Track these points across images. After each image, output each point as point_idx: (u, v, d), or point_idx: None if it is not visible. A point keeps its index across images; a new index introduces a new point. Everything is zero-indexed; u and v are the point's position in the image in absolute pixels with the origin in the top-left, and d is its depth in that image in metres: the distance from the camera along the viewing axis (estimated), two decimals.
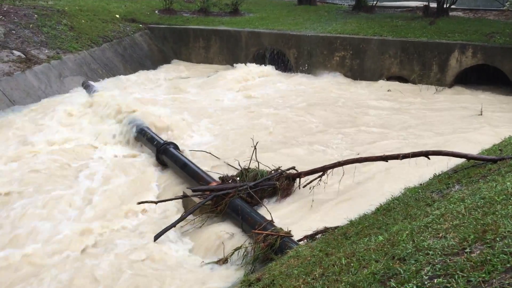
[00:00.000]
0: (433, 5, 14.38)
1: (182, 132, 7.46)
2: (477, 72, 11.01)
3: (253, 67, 12.32)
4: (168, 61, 13.45)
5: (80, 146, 7.22)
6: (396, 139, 7.23)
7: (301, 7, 17.35)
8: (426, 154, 4.96)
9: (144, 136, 7.20)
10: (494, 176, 3.78)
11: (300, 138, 7.40)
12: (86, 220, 5.39)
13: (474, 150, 6.02)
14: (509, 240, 2.11)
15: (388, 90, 10.75)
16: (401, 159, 5.07)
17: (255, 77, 11.49)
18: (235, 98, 9.83)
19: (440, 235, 2.63)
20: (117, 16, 13.67)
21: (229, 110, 8.95)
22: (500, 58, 10.41)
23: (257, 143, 5.89)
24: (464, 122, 8.25)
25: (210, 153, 6.68)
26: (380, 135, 7.42)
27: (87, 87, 9.86)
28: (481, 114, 8.77)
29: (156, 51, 13.42)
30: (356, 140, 7.17)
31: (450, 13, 14.20)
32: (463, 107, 9.22)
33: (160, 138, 7.05)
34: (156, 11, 15.26)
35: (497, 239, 2.19)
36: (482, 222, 2.50)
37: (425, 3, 14.76)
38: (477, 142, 6.91)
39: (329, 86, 10.78)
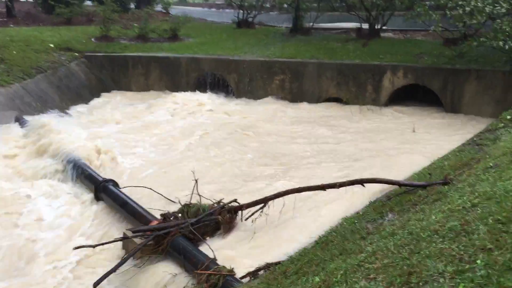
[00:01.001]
0: (366, 26, 15.00)
1: (119, 167, 7.31)
2: (411, 91, 11.56)
3: (191, 94, 12.30)
4: (107, 90, 13.17)
5: (9, 186, 6.89)
6: (333, 162, 7.42)
7: (240, 30, 17.59)
8: (361, 182, 5.12)
9: (81, 173, 6.99)
10: (422, 206, 3.96)
11: (239, 168, 7.43)
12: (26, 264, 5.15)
13: (407, 171, 6.31)
14: (431, 286, 2.22)
15: (325, 114, 11.05)
16: (338, 188, 5.21)
17: (194, 105, 11.44)
18: (172, 128, 9.70)
19: (371, 276, 2.72)
20: (51, 45, 13.28)
21: (166, 142, 8.84)
22: (429, 78, 10.98)
23: (197, 179, 5.86)
24: (398, 142, 8.60)
25: (151, 188, 6.56)
26: (317, 160, 7.59)
27: (20, 121, 9.48)
28: (414, 132, 9.20)
29: (94, 80, 13.12)
30: (293, 169, 7.27)
31: (382, 34, 14.85)
32: (397, 126, 9.62)
33: (98, 175, 6.87)
34: (93, 39, 14.95)
35: (421, 283, 2.29)
36: (408, 262, 2.61)
37: (358, 24, 15.37)
38: (410, 162, 7.21)
39: (268, 111, 10.95)
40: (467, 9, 9.06)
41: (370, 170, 6.84)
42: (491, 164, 4.43)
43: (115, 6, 16.86)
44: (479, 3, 8.93)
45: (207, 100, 11.83)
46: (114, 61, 13.60)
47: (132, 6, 23.18)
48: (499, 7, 8.49)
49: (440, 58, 11.21)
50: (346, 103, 11.70)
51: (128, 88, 13.55)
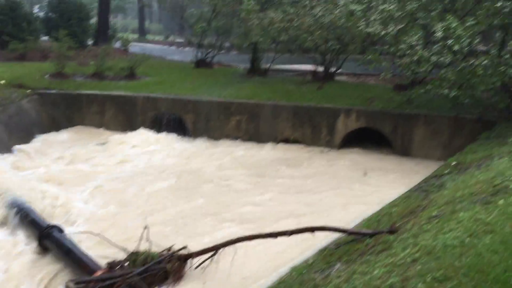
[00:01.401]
0: (321, 69, 15.41)
1: (65, 212, 7.06)
2: (366, 133, 11.86)
3: (146, 134, 12.16)
4: (60, 128, 12.81)
5: None
6: (284, 207, 7.42)
7: (199, 70, 17.70)
8: (311, 229, 5.15)
9: (24, 219, 6.68)
10: (368, 257, 4.00)
11: (191, 214, 7.32)
12: None
13: (358, 216, 6.42)
14: None
15: (280, 156, 11.13)
16: (289, 236, 5.21)
17: (147, 145, 11.31)
18: (123, 169, 9.47)
19: None
20: (2, 82, 12.92)
21: (115, 185, 8.58)
22: (380, 122, 11.34)
23: (147, 226, 5.71)
24: (349, 185, 8.73)
25: (98, 234, 6.33)
26: (268, 205, 7.57)
27: None
28: (365, 175, 9.38)
29: (47, 118, 12.78)
30: (245, 215, 7.21)
31: (336, 78, 15.30)
32: (349, 170, 9.78)
33: (42, 220, 6.59)
34: (47, 76, 14.65)
35: None
36: None
37: (314, 67, 15.77)
38: (361, 207, 7.34)
39: (223, 152, 10.96)
40: (415, 58, 9.50)
41: (321, 215, 6.91)
42: (434, 214, 4.55)
43: (71, 42, 16.68)
44: (425, 53, 9.38)
45: (162, 140, 11.75)
46: (68, 98, 13.34)
47: (90, 42, 22.99)
48: (443, 58, 8.95)
49: (390, 103, 11.62)
50: (302, 144, 11.89)
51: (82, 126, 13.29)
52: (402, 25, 10.28)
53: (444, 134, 10.69)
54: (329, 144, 11.77)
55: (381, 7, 10.58)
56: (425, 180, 7.06)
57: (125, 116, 13.22)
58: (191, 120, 12.89)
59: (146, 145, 11.27)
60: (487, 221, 3.54)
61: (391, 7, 10.46)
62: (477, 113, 10.35)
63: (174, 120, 13.20)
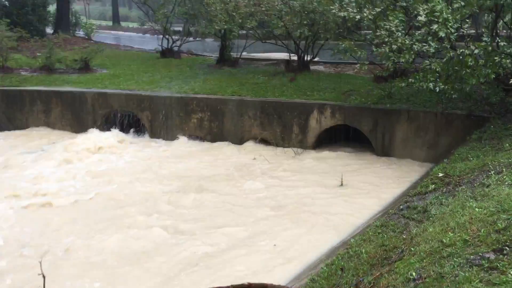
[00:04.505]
0: (295, 57, 13.97)
1: None
2: (344, 130, 10.58)
3: (96, 136, 10.72)
4: None
5: None
6: (231, 234, 6.05)
7: (164, 60, 16.15)
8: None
9: None
10: None
11: (124, 245, 5.96)
12: None
13: (323, 247, 5.16)
14: None
15: (254, 159, 9.73)
16: None
17: (97, 149, 9.91)
18: (60, 182, 8.05)
19: None
20: None
21: (41, 204, 7.22)
22: (358, 118, 10.00)
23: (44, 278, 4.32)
24: (322, 198, 7.39)
25: None
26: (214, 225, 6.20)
27: None
28: (341, 185, 8.05)
29: None
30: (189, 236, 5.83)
31: (312, 67, 13.89)
32: (322, 177, 8.42)
33: None
34: None
35: None
36: None
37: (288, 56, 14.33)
38: (328, 233, 6.06)
39: (181, 156, 9.58)
40: (394, 46, 8.13)
41: (280, 242, 5.61)
42: (413, 274, 3.24)
43: (22, 32, 15.11)
44: (407, 40, 8.02)
45: (118, 138, 10.36)
46: (9, 96, 11.89)
47: (50, 31, 21.23)
48: (427, 46, 7.60)
49: (369, 97, 10.27)
50: (271, 144, 10.55)
51: (25, 127, 11.86)
52: (380, 9, 8.90)
53: (429, 132, 9.36)
54: (302, 144, 10.43)
55: None
56: (406, 199, 5.75)
57: (74, 115, 11.81)
58: (147, 118, 11.48)
59: (95, 150, 9.88)
60: None
61: None
62: (467, 108, 9.06)
63: (130, 118, 11.79)
